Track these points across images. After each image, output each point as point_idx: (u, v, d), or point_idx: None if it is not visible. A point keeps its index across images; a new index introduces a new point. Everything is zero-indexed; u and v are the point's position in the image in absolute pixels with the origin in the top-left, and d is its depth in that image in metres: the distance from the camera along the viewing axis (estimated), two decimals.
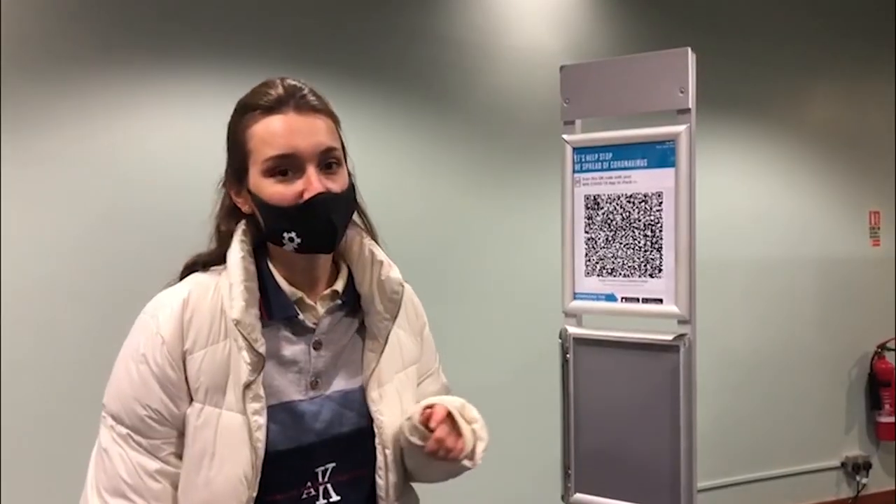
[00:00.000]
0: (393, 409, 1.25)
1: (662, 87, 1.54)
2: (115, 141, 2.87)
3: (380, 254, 1.27)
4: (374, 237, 1.29)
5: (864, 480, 4.31)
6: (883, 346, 4.34)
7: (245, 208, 1.21)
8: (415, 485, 1.36)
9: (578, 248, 1.65)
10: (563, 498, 1.67)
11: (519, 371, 3.47)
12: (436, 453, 1.18)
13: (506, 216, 3.52)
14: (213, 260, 1.22)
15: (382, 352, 1.25)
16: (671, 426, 1.54)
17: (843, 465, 4.32)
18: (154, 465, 1.12)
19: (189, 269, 1.24)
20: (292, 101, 1.14)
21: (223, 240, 1.22)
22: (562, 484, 1.67)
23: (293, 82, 1.17)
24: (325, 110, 1.18)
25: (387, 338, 1.25)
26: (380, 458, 1.23)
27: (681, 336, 1.53)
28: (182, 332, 1.14)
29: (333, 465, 1.20)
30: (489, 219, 3.49)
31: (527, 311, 3.39)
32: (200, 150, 2.81)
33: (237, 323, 1.12)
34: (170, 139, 2.95)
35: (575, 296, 1.66)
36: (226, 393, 1.13)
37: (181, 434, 1.14)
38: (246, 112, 1.17)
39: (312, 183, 1.12)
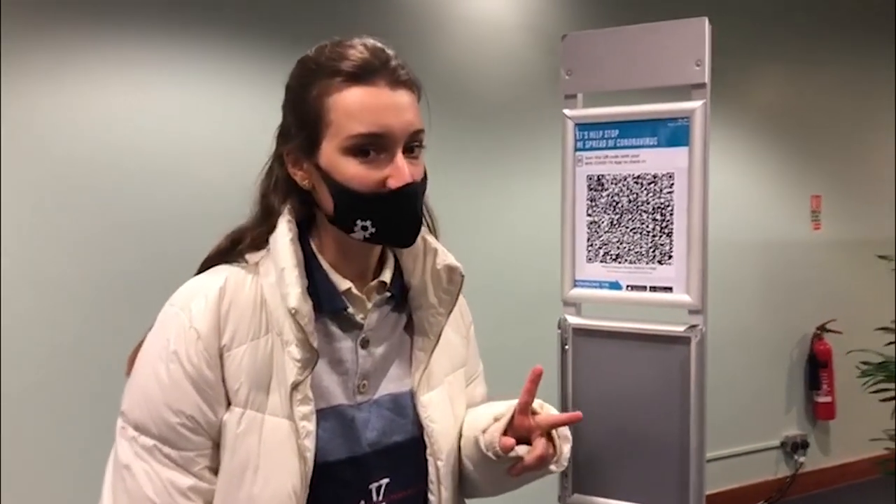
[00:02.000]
0: (445, 416, 1.13)
1: (676, 59, 1.43)
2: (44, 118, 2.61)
3: (433, 241, 1.13)
4: (431, 227, 1.15)
5: (801, 459, 4.40)
6: (822, 328, 4.42)
7: (305, 183, 1.05)
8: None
9: (580, 233, 1.53)
10: (560, 499, 1.57)
11: (512, 364, 3.35)
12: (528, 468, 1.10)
13: (466, 194, 3.39)
14: (256, 242, 1.06)
15: (433, 350, 1.12)
16: (680, 423, 1.45)
17: (783, 444, 4.40)
18: (187, 481, 0.96)
19: (222, 255, 1.07)
20: (385, 71, 0.99)
21: (266, 215, 1.07)
22: (559, 484, 1.56)
23: (379, 45, 1.01)
24: (416, 86, 1.04)
25: (439, 335, 1.12)
26: (431, 470, 1.10)
27: (693, 327, 1.44)
28: (219, 325, 0.98)
29: (388, 480, 1.07)
30: (448, 198, 3.35)
31: (513, 300, 3.29)
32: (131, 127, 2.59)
33: (295, 312, 0.97)
34: (101, 115, 2.70)
35: (575, 283, 1.54)
36: (269, 395, 0.98)
37: (216, 445, 0.99)
38: (323, 75, 1.00)
39: (402, 171, 0.98)
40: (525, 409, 1.14)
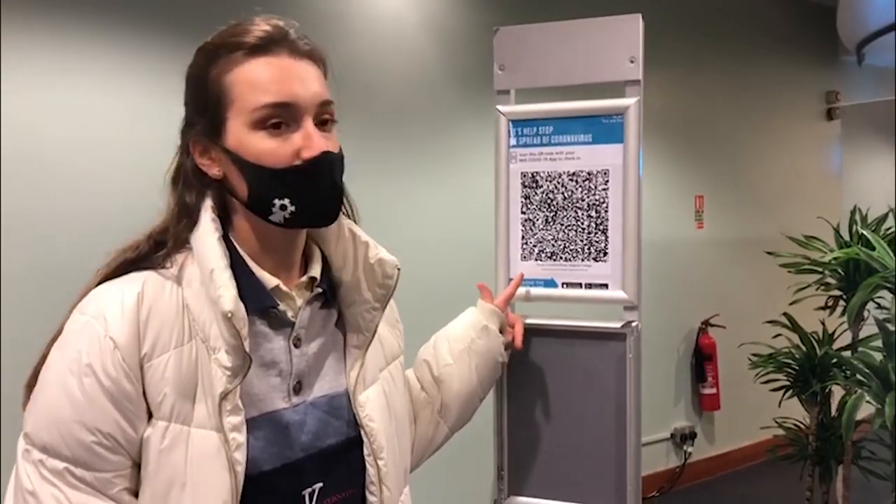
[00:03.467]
0: (383, 414, 1.07)
1: (610, 55, 1.44)
2: None
3: (362, 235, 1.07)
4: (351, 214, 1.09)
5: (689, 449, 4.57)
6: (707, 322, 4.61)
7: (214, 171, 0.97)
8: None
9: (514, 230, 1.51)
10: (495, 502, 1.54)
11: None
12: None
13: (368, 191, 3.32)
14: (179, 242, 0.97)
15: (368, 347, 1.07)
16: (617, 419, 1.45)
17: (672, 435, 4.55)
18: None
19: (141, 258, 0.97)
20: (285, 42, 0.94)
21: (183, 213, 0.98)
22: (494, 486, 1.53)
23: (279, 21, 0.95)
24: (319, 58, 0.98)
25: (374, 331, 1.07)
26: (371, 471, 1.04)
27: (629, 323, 1.44)
28: (139, 333, 0.89)
29: (321, 485, 1.00)
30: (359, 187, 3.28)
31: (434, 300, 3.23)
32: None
33: (231, 316, 0.88)
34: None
35: (509, 281, 1.52)
36: (195, 406, 0.90)
37: (136, 464, 0.89)
38: (222, 54, 0.93)
39: (314, 140, 0.92)
40: (509, 298, 1.45)
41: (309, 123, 0.93)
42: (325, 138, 0.95)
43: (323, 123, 0.96)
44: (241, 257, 0.98)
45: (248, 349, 0.91)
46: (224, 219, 1.00)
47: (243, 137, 0.92)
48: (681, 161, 4.58)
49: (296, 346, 1.00)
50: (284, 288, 0.99)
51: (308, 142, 0.92)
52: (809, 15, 5.19)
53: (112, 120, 2.63)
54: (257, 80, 0.92)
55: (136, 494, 0.90)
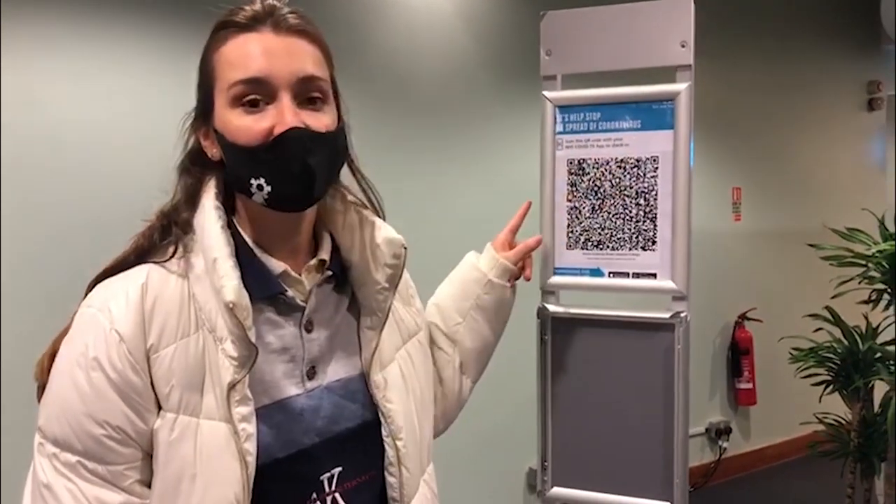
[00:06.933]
0: (401, 394, 1.05)
1: (660, 39, 1.40)
2: None
3: (368, 214, 1.05)
4: (378, 208, 1.07)
5: (724, 444, 4.51)
6: (743, 316, 4.54)
7: (213, 153, 0.96)
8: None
9: (559, 218, 1.49)
10: (538, 493, 1.52)
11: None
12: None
13: (409, 181, 3.31)
14: (184, 225, 0.96)
15: (382, 328, 1.05)
16: (665, 412, 1.42)
17: (707, 430, 4.50)
18: (116, 497, 0.86)
19: (144, 251, 0.95)
20: (270, 19, 0.92)
21: (188, 196, 0.97)
22: (538, 477, 1.51)
23: (272, 1, 0.94)
24: (311, 34, 0.95)
25: (387, 311, 1.05)
26: (390, 452, 1.02)
27: (677, 314, 1.42)
28: (144, 325, 0.88)
29: (340, 469, 0.99)
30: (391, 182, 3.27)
31: None
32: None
33: (233, 306, 0.87)
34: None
35: (555, 271, 1.50)
36: (203, 397, 0.89)
37: (147, 455, 0.88)
38: (214, 34, 0.94)
39: (285, 115, 0.89)
40: (516, 229, 1.41)
41: (285, 99, 0.90)
42: (310, 116, 0.92)
43: (311, 102, 0.93)
44: (247, 243, 0.96)
45: (253, 339, 0.89)
46: (228, 204, 0.99)
47: (225, 116, 0.92)
48: (718, 152, 4.51)
49: (307, 330, 0.99)
50: (293, 273, 0.98)
51: (280, 117, 0.89)
52: (851, 3, 5.07)
53: (122, 104, 2.63)
54: (234, 56, 0.91)
55: (148, 485, 0.89)
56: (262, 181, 0.91)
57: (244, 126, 0.90)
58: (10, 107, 2.41)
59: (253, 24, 0.91)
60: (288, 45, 0.92)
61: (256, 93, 0.90)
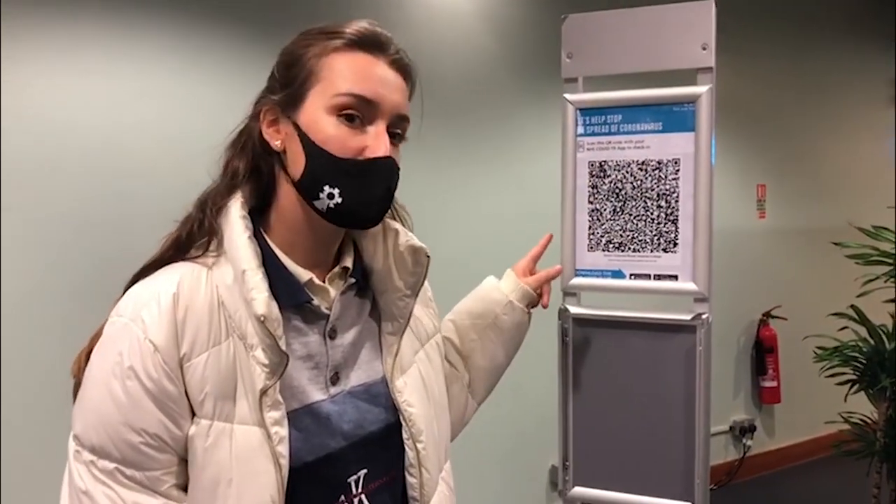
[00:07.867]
0: (421, 398, 1.08)
1: (681, 42, 1.41)
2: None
3: (391, 222, 1.08)
4: (405, 223, 1.12)
5: (749, 443, 4.49)
6: (768, 314, 4.52)
7: (276, 142, 0.98)
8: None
9: (581, 220, 1.50)
10: (560, 492, 1.53)
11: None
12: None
13: (422, 183, 3.33)
14: (218, 209, 0.99)
15: (403, 334, 1.08)
16: (686, 413, 1.43)
17: (731, 428, 4.48)
18: (154, 502, 0.89)
19: (179, 247, 0.98)
20: (388, 49, 0.98)
21: (230, 180, 1.00)
22: (560, 477, 1.53)
23: (388, 33, 1.00)
24: (413, 80, 1.02)
25: (408, 318, 1.08)
26: (410, 454, 1.06)
27: (699, 315, 1.42)
28: (177, 334, 0.90)
29: (365, 471, 1.02)
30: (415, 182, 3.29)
31: None
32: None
33: (263, 319, 0.89)
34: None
35: (576, 272, 1.51)
36: (236, 403, 0.91)
37: (183, 460, 0.91)
38: (326, 38, 0.97)
39: (382, 141, 0.94)
40: (537, 257, 1.44)
41: (382, 126, 0.95)
42: (393, 150, 0.97)
43: (393, 137, 0.98)
44: (273, 252, 0.99)
45: (283, 348, 0.91)
46: (260, 212, 1.01)
47: (318, 118, 0.94)
48: (742, 150, 4.48)
49: (331, 337, 1.01)
50: (318, 281, 1.00)
51: (376, 142, 0.94)
52: None
53: (149, 105, 2.66)
54: (350, 68, 0.94)
55: (185, 489, 0.91)
56: (335, 191, 0.94)
57: (339, 136, 0.93)
58: (33, 107, 2.45)
59: (372, 48, 0.96)
60: (398, 80, 0.98)
61: (359, 110, 0.94)
